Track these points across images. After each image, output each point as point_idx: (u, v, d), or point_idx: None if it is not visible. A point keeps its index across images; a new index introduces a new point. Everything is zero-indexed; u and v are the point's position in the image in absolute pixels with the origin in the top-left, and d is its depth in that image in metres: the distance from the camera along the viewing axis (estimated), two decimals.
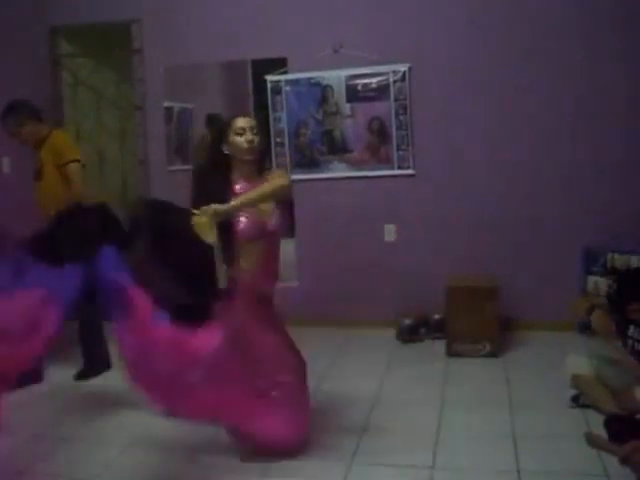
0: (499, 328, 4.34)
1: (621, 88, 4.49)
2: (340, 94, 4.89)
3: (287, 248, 4.48)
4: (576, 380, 3.43)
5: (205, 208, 2.71)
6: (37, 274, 2.73)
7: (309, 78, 4.92)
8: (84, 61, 5.72)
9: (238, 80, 5.47)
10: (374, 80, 4.81)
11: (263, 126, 3.20)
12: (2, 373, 2.56)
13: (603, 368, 3.35)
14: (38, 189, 4.15)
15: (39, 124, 4.12)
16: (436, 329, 4.64)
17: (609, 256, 4.49)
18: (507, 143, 4.70)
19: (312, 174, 4.96)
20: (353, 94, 4.86)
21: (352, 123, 4.91)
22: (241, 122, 2.97)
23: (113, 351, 3.82)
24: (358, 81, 4.84)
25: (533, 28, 4.58)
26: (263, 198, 2.89)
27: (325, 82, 4.90)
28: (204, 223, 2.69)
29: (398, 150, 4.84)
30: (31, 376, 3.83)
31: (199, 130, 5.43)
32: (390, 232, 4.95)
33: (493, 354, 4.27)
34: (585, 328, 4.13)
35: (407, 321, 4.69)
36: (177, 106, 5.42)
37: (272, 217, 2.98)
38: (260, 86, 5.09)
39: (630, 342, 3.24)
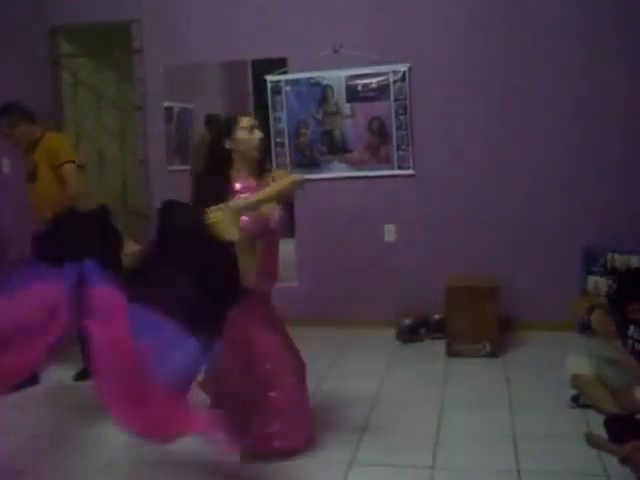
0: (499, 328, 4.34)
1: (621, 88, 4.49)
2: (340, 94, 4.89)
3: (287, 248, 4.49)
4: (576, 380, 3.43)
5: (226, 205, 2.71)
6: (39, 274, 2.68)
7: (309, 78, 4.92)
8: (84, 61, 5.71)
9: (238, 80, 5.47)
10: (374, 80, 4.81)
11: (263, 126, 3.21)
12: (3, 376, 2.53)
13: (603, 368, 3.35)
14: (32, 191, 4.15)
15: (32, 125, 4.12)
16: (436, 329, 4.64)
17: (609, 256, 4.49)
18: (507, 143, 4.70)
19: (312, 174, 4.95)
20: (353, 94, 4.86)
21: (352, 123, 4.91)
22: (248, 120, 3.04)
23: None
24: (358, 81, 4.84)
25: (533, 28, 4.58)
26: (281, 194, 2.94)
27: (325, 82, 4.90)
28: (225, 220, 2.68)
29: (398, 150, 4.84)
30: (27, 379, 3.81)
31: (199, 130, 5.44)
32: (390, 232, 4.95)
33: (493, 354, 4.27)
34: (585, 328, 4.14)
35: (407, 321, 4.69)
36: (177, 106, 5.42)
37: (274, 216, 2.98)
38: (260, 86, 5.09)
39: (630, 342, 3.24)
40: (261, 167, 3.09)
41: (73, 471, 3.04)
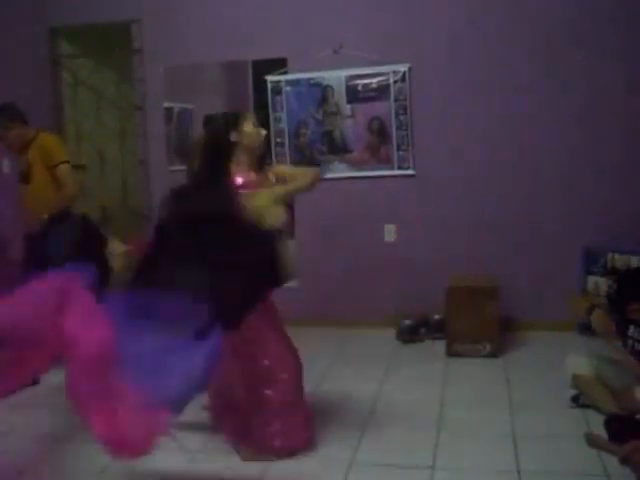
0: (499, 328, 4.34)
1: (621, 88, 4.49)
2: (340, 94, 4.89)
3: None
4: (576, 380, 3.43)
5: (266, 191, 2.86)
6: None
7: (309, 78, 4.92)
8: (84, 61, 5.72)
9: (238, 80, 5.46)
10: (374, 80, 4.81)
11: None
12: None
13: (603, 368, 3.35)
14: (26, 192, 4.14)
15: (25, 127, 4.12)
16: (436, 329, 4.64)
17: (609, 256, 4.49)
18: (507, 143, 4.70)
19: None
20: (353, 94, 4.86)
21: (352, 123, 4.91)
22: (253, 117, 3.17)
23: None
24: (358, 81, 4.84)
25: (533, 28, 4.58)
26: (307, 186, 3.14)
27: (325, 82, 4.90)
28: (268, 206, 2.77)
29: (398, 150, 4.84)
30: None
31: (199, 130, 5.43)
32: (390, 232, 4.95)
33: (493, 354, 4.27)
34: (585, 328, 4.14)
35: (407, 321, 4.69)
36: (177, 106, 5.41)
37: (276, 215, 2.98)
38: (260, 86, 5.09)
39: (630, 342, 3.23)
40: (261, 162, 3.13)
41: (73, 471, 3.04)
